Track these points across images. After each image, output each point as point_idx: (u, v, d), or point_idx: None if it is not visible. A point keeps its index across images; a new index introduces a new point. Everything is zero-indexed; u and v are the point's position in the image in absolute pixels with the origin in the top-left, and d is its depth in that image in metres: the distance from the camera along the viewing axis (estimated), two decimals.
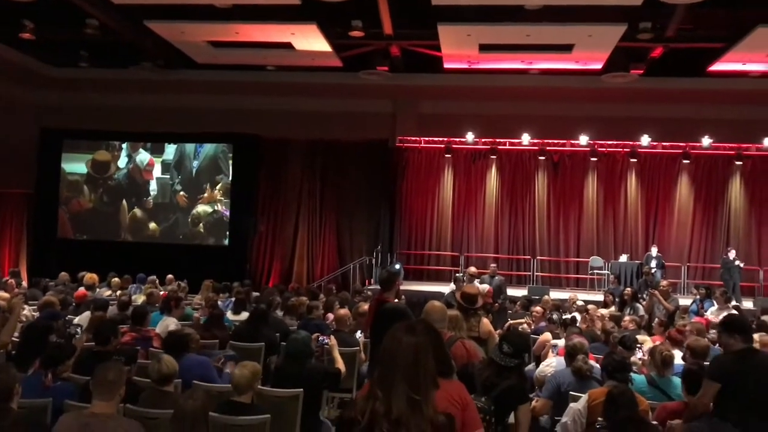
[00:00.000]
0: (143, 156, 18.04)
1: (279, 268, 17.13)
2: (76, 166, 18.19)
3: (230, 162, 17.69)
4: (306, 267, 17.09)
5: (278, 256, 17.25)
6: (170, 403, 3.99)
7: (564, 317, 7.69)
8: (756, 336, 6.71)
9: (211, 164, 17.80)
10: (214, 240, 17.62)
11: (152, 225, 17.83)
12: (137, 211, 17.90)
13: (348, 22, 13.34)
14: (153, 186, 17.93)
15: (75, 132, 17.82)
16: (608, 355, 4.65)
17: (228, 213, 17.53)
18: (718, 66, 14.52)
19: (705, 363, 4.84)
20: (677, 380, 4.92)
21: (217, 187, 17.63)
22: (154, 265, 13.38)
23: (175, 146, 17.89)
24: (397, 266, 15.73)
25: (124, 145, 18.11)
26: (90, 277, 10.29)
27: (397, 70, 15.58)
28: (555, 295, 12.77)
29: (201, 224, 17.69)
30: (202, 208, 17.68)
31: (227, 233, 17.50)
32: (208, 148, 17.84)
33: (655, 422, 4.41)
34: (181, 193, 17.78)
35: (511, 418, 3.89)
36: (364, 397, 2.28)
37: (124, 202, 17.96)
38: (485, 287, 9.42)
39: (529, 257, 16.81)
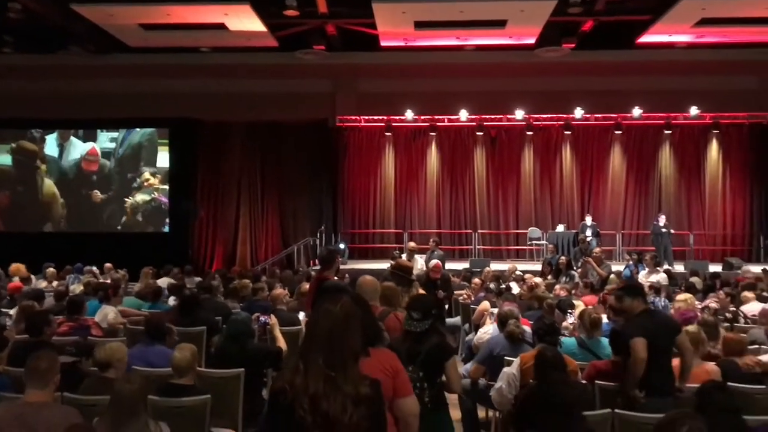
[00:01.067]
0: (85, 146, 17.51)
1: (222, 252, 16.95)
2: (2, 157, 17.56)
3: (158, 149, 17.34)
4: (249, 250, 16.96)
5: (221, 241, 17.05)
6: (111, 389, 3.97)
7: (500, 287, 7.90)
8: (680, 296, 7.09)
9: (135, 152, 17.43)
10: (153, 228, 17.32)
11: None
12: (64, 201, 17.45)
13: (282, 2, 13.19)
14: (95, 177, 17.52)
15: (1, 121, 17.13)
16: (538, 319, 4.83)
17: (165, 200, 17.24)
18: (646, 38, 14.95)
19: None
20: (606, 341, 5.16)
21: (155, 176, 17.29)
22: (95, 256, 13.08)
23: (108, 134, 17.43)
24: (341, 246, 15.80)
25: (52, 136, 17.53)
26: (15, 268, 9.97)
27: (335, 49, 15.52)
28: (496, 266, 13.06)
29: (139, 213, 17.36)
30: (140, 197, 17.35)
31: (167, 220, 17.23)
32: (134, 136, 17.44)
33: (584, 380, 4.64)
34: (96, 191, 17.36)
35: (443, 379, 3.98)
36: (291, 368, 2.33)
37: (56, 192, 17.45)
38: (434, 262, 9.50)
39: (470, 231, 17.10)
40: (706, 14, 13.34)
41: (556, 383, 3.86)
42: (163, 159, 17.40)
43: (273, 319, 5.43)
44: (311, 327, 2.36)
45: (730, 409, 3.35)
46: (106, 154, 17.48)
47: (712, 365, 4.52)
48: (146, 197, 17.32)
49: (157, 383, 4.35)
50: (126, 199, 17.34)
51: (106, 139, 17.51)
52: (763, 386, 4.44)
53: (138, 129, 17.42)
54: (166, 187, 17.28)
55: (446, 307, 8.75)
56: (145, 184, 17.32)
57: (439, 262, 9.18)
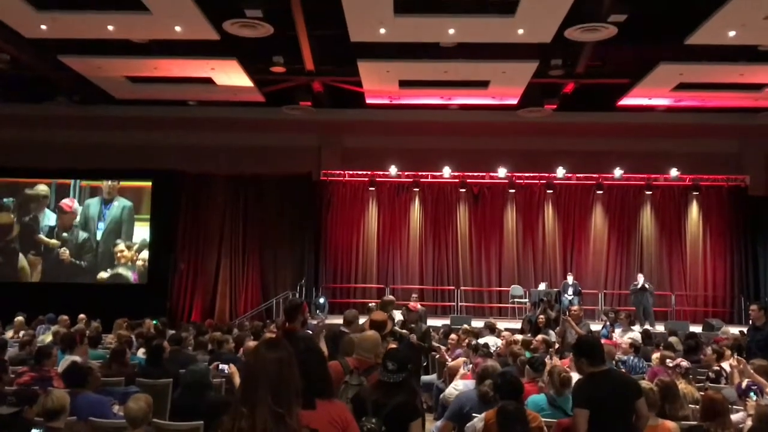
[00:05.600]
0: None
1: (201, 305, 16.68)
2: None
3: (134, 224, 17.20)
4: (229, 303, 16.72)
5: (200, 293, 16.80)
6: None
7: (477, 343, 7.81)
8: (656, 354, 7.03)
9: (116, 227, 17.23)
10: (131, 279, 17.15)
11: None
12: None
13: (269, 58, 13.45)
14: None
15: None
16: (501, 375, 4.72)
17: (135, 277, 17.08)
18: (626, 101, 15.31)
19: None
20: None
21: (130, 248, 17.15)
22: (71, 307, 12.76)
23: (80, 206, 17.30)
24: (321, 300, 15.68)
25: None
26: None
27: (321, 105, 15.76)
28: (477, 324, 12.92)
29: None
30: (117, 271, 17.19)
31: (146, 271, 17.05)
32: (114, 210, 17.25)
33: None
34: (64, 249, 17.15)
35: None
36: (230, 416, 2.28)
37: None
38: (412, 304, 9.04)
39: (453, 287, 17.02)
40: (684, 79, 13.71)
41: None
42: (142, 232, 17.23)
43: (232, 368, 5.33)
44: (253, 371, 2.33)
45: None
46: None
47: (672, 423, 4.43)
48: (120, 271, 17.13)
49: None
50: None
51: (79, 209, 17.33)
52: None
53: (115, 203, 17.28)
54: (142, 260, 17.07)
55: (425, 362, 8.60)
56: (119, 255, 17.10)
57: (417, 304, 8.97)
